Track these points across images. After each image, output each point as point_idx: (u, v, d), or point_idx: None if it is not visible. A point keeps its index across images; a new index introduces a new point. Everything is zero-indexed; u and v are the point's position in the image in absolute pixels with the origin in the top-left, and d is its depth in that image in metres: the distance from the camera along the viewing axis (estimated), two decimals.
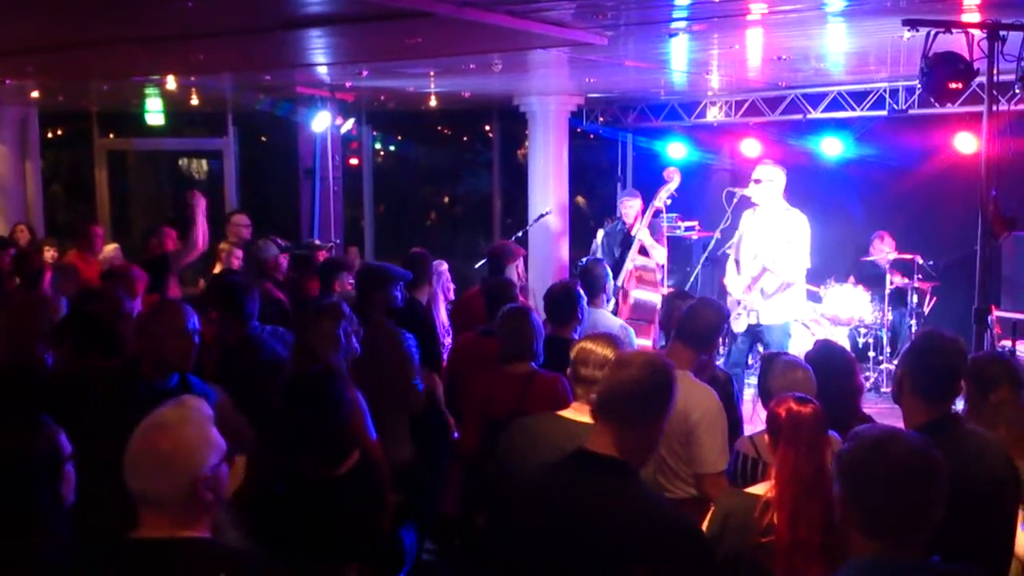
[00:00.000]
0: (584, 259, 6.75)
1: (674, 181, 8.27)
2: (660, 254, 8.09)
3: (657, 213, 8.20)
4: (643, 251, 8.04)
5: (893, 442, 2.18)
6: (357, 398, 3.46)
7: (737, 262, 7.23)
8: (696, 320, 4.06)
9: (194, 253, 6.63)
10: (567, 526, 2.36)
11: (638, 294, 7.70)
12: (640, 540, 2.28)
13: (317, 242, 8.62)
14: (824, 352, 4.05)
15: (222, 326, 4.94)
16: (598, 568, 2.31)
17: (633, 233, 8.15)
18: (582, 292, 5.01)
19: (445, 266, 7.03)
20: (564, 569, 2.36)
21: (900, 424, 3.08)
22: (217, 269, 7.50)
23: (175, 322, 3.68)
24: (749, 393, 6.70)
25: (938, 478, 2.15)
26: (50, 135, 12.79)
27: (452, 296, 7.08)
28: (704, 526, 3.03)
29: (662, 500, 2.50)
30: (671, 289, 8.16)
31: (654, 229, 8.29)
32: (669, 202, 8.33)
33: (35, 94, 10.09)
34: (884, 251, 9.14)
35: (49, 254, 8.55)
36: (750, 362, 7.69)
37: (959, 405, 3.53)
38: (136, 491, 2.15)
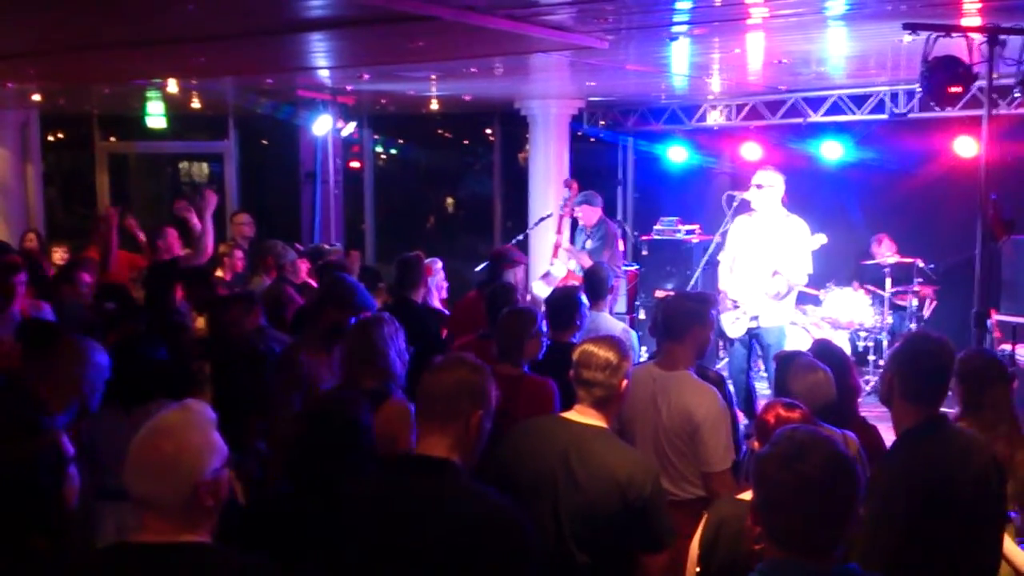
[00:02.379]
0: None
1: (571, 189, 8.62)
2: (583, 259, 8.19)
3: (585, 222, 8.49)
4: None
5: (806, 456, 2.09)
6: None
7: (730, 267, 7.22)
8: (676, 316, 3.97)
9: (203, 258, 6.63)
10: (400, 529, 2.46)
11: (534, 286, 8.01)
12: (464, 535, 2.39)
13: (327, 246, 8.63)
14: (821, 352, 4.06)
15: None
16: (432, 566, 2.40)
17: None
18: (583, 298, 5.01)
19: (439, 264, 7.03)
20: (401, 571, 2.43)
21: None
22: (219, 272, 7.50)
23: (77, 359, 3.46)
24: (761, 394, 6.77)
25: (850, 491, 2.09)
26: (51, 138, 12.81)
27: (445, 294, 7.08)
28: (697, 535, 3.05)
29: (485, 493, 2.55)
30: (669, 293, 8.17)
31: (607, 235, 8.33)
32: (579, 213, 8.47)
33: (36, 97, 10.12)
34: (884, 254, 9.14)
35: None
36: (755, 366, 7.68)
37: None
38: (137, 495, 2.15)
